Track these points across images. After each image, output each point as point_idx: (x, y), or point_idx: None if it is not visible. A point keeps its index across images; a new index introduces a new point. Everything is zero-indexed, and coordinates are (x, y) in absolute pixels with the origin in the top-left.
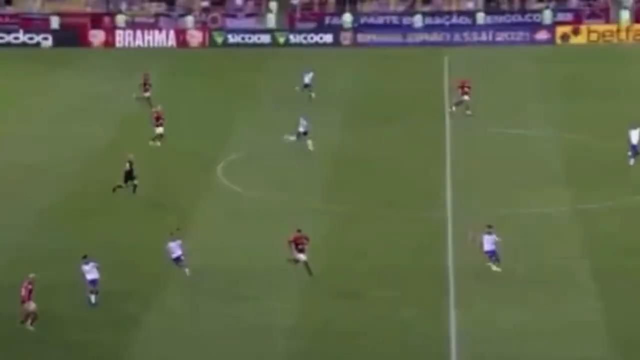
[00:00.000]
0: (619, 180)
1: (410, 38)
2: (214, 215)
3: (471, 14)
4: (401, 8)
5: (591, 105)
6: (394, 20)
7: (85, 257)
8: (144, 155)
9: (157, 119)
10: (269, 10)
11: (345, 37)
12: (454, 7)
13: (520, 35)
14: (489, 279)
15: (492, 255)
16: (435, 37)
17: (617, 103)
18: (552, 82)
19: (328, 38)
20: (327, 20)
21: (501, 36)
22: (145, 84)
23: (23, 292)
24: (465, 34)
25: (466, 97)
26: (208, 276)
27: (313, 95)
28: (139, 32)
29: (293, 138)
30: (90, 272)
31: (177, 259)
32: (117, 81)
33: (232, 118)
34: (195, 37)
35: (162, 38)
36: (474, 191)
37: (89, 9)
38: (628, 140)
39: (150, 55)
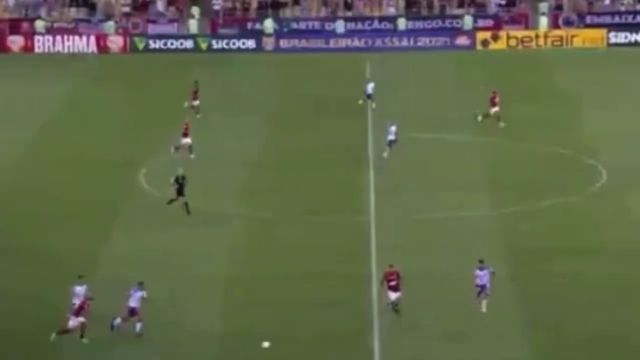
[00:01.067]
0: (538, 184)
1: (333, 43)
2: (135, 220)
3: (392, 19)
4: (323, 14)
5: (511, 109)
6: (316, 25)
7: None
8: (64, 161)
9: (185, 129)
10: (191, 16)
11: (268, 43)
12: (375, 13)
13: (441, 40)
14: (411, 281)
15: (482, 290)
16: (357, 42)
17: (536, 107)
18: (473, 88)
19: (251, 43)
20: (249, 25)
21: (422, 41)
22: (195, 92)
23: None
24: (387, 40)
25: (496, 109)
26: (120, 285)
27: (374, 106)
28: (58, 38)
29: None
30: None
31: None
32: (37, 87)
33: (154, 124)
34: (115, 42)
35: (83, 43)
36: (396, 195)
37: (7, 15)
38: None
39: (70, 61)
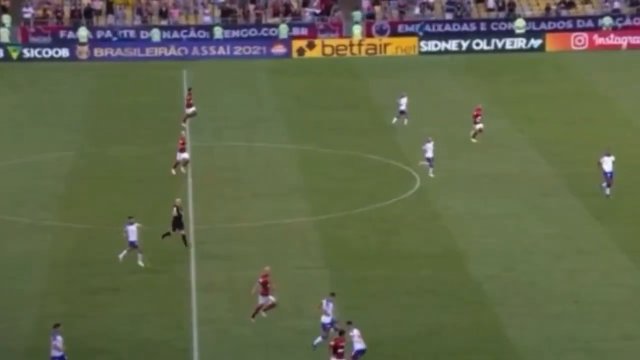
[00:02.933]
0: (353, 189)
1: (149, 52)
2: None
3: (208, 28)
4: (138, 22)
5: (326, 116)
6: (131, 34)
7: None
8: None
9: (182, 144)
10: (1, 24)
11: (82, 52)
12: (191, 22)
13: (257, 49)
14: (230, 291)
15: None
16: (173, 51)
17: (351, 114)
18: (289, 95)
19: (64, 52)
20: (62, 34)
21: (239, 50)
22: (189, 100)
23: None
24: (203, 48)
25: (480, 125)
26: None
27: (406, 122)
28: None
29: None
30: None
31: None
32: None
33: None
34: None
35: None
36: (215, 204)
37: None
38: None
39: None
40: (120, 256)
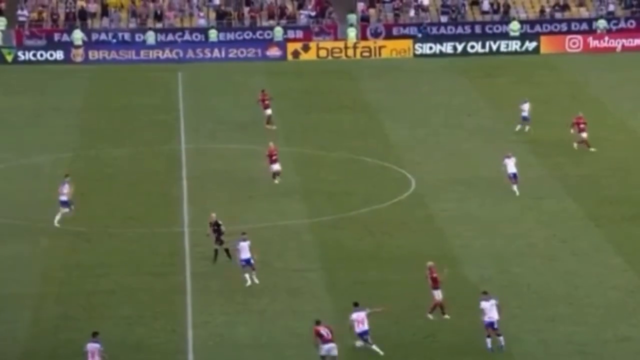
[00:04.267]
0: (348, 192)
1: (144, 55)
2: None
3: (203, 30)
4: (133, 25)
5: (322, 119)
6: (126, 37)
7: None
8: None
9: (272, 155)
10: None
11: (77, 54)
12: (186, 24)
13: (252, 51)
14: (227, 293)
15: (492, 326)
16: (168, 53)
17: (345, 116)
18: (285, 98)
19: (59, 55)
20: (57, 37)
21: (233, 53)
22: (264, 101)
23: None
24: (198, 51)
25: (584, 135)
26: None
27: (527, 128)
28: None
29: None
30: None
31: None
32: None
33: None
34: None
35: None
36: (210, 205)
37: None
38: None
39: None
40: (246, 277)
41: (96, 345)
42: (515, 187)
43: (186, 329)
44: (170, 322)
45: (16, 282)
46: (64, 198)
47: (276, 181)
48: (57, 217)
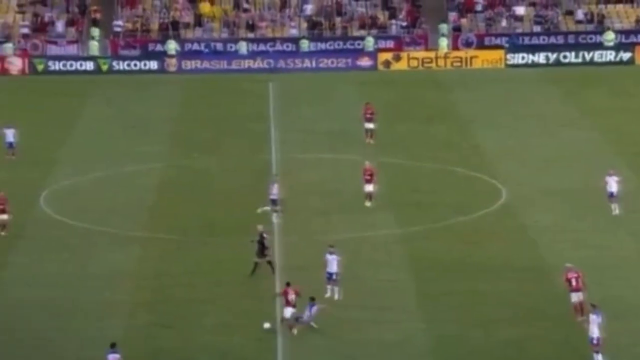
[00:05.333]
0: (438, 202)
1: (235, 65)
2: (38, 245)
3: (295, 40)
4: (225, 35)
5: (412, 129)
6: (219, 46)
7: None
8: None
9: (370, 174)
10: (91, 37)
11: (170, 64)
12: (277, 34)
13: (343, 61)
14: (319, 302)
15: (592, 342)
16: (259, 63)
17: (436, 127)
18: (375, 108)
19: (153, 65)
20: (151, 47)
21: (324, 63)
22: (367, 113)
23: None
24: (290, 61)
25: None
26: (30, 309)
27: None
28: None
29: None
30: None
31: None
32: None
33: (54, 147)
34: (15, 64)
35: None
36: (300, 216)
37: None
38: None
39: None
40: (328, 287)
41: (116, 356)
42: (613, 206)
43: (276, 337)
44: (259, 331)
45: (110, 289)
46: (273, 197)
47: (367, 204)
48: (264, 209)
